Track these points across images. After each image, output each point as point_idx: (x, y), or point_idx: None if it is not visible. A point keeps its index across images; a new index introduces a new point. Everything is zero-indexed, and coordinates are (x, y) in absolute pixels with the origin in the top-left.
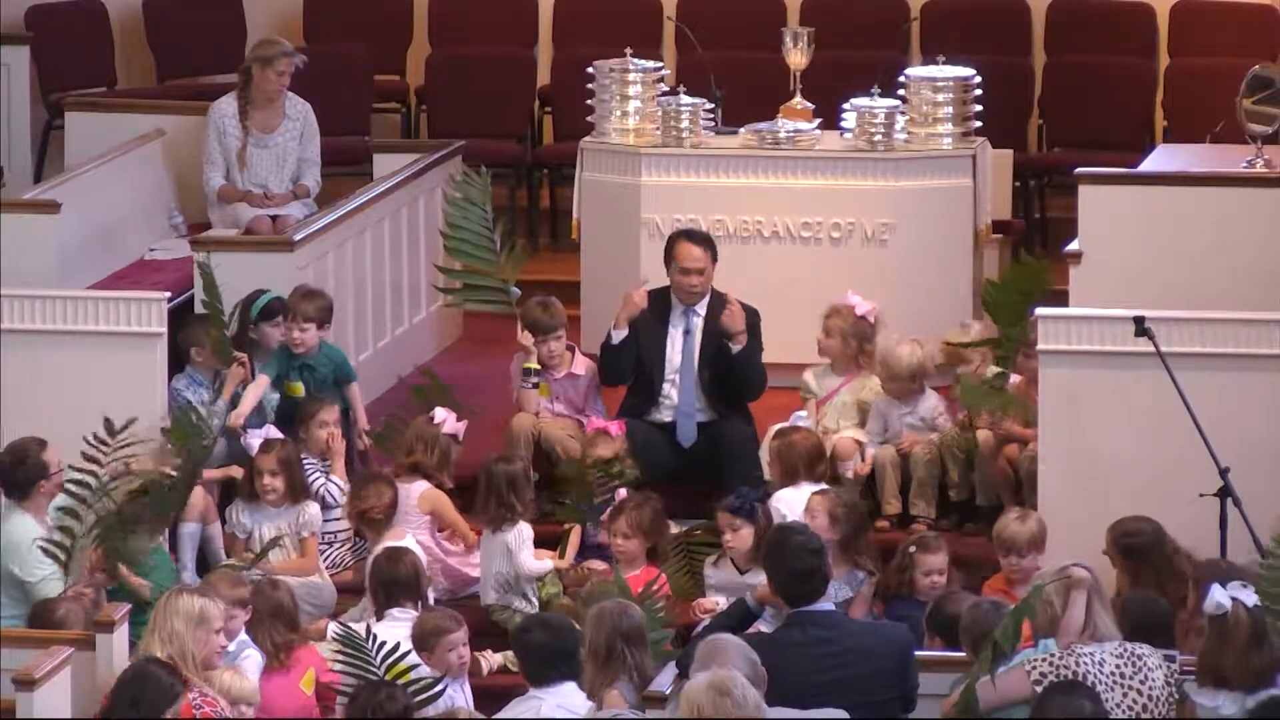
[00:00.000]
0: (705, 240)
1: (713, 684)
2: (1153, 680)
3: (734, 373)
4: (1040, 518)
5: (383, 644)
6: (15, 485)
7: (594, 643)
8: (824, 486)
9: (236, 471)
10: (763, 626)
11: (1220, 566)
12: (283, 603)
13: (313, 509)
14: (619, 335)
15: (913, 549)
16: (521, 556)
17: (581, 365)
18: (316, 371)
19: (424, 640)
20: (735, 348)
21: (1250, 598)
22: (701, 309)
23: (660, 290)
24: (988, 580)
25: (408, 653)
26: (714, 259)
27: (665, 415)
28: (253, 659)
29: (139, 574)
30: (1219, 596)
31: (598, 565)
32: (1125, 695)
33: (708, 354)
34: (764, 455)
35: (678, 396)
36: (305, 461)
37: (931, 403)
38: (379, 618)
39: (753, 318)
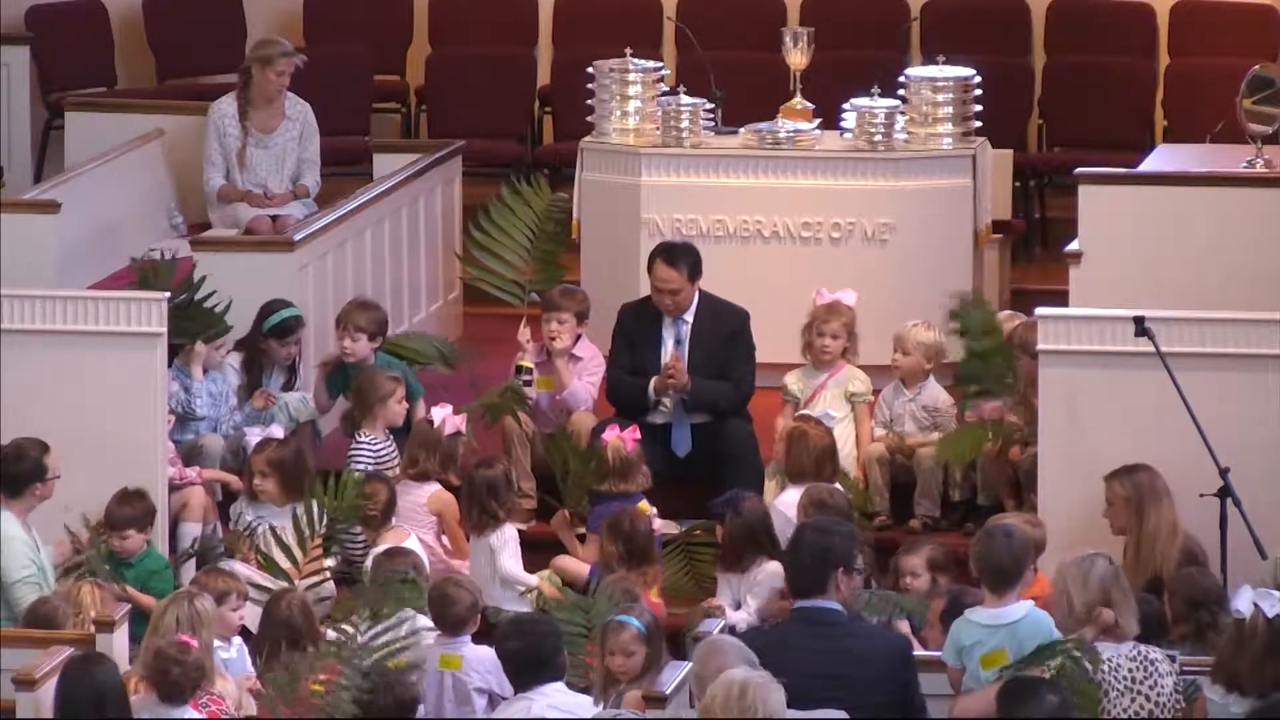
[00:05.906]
0: (683, 257)
1: (742, 682)
2: (1161, 686)
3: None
4: (1039, 523)
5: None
6: (8, 481)
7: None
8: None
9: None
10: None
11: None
12: (295, 624)
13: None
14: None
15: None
16: (502, 558)
17: (585, 349)
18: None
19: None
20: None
21: (1273, 607)
22: (690, 316)
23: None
24: None
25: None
26: (693, 274)
27: (659, 419)
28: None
29: (140, 587)
30: (1243, 602)
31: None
32: (1133, 700)
33: (696, 362)
34: None
35: (670, 404)
36: (369, 441)
37: (935, 392)
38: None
39: (741, 321)
